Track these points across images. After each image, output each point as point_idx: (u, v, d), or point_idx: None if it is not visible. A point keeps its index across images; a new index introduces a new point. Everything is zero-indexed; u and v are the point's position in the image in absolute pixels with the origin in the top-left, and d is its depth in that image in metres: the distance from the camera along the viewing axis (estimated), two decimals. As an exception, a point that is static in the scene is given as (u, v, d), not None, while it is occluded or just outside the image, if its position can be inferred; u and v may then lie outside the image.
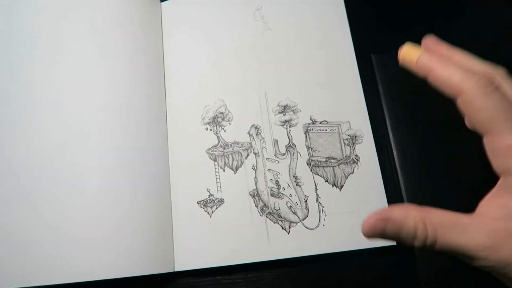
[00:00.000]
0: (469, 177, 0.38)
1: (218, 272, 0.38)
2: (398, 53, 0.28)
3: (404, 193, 0.38)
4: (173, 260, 0.38)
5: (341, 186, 0.39)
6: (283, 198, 0.40)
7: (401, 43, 0.44)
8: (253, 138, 0.42)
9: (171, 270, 0.38)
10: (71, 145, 0.38)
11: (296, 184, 0.40)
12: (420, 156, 0.39)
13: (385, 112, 0.41)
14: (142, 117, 0.41)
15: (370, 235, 0.24)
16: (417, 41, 0.43)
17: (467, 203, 0.37)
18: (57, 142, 0.38)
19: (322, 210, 0.39)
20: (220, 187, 0.40)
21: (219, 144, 0.42)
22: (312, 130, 0.41)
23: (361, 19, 0.45)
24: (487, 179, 0.37)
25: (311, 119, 0.42)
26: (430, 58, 0.26)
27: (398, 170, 0.39)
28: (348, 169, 0.40)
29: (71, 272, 0.35)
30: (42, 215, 0.36)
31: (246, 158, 0.41)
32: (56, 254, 0.35)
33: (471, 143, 0.39)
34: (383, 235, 0.24)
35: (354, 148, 0.40)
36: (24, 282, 0.35)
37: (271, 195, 0.40)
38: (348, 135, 0.41)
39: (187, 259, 0.38)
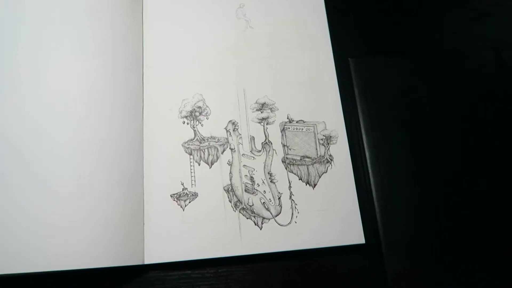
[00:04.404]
0: (437, 181, 0.40)
1: (188, 266, 0.38)
2: None
3: (374, 194, 0.39)
4: (143, 253, 0.38)
5: (314, 185, 0.40)
6: (257, 194, 0.40)
7: (378, 49, 0.46)
8: (230, 133, 0.42)
9: (140, 263, 0.37)
10: (45, 130, 0.37)
11: (271, 181, 0.40)
12: (391, 159, 0.40)
13: (360, 115, 0.42)
14: (118, 106, 0.40)
15: None
16: (393, 48, 0.45)
17: (434, 206, 0.39)
18: (31, 126, 0.37)
19: (295, 207, 0.39)
20: (195, 181, 0.40)
21: (196, 138, 0.42)
22: (289, 128, 0.42)
23: (341, 24, 0.46)
24: (455, 182, 0.39)
25: (288, 118, 0.42)
26: None
27: (370, 171, 0.40)
28: (321, 168, 0.41)
29: (38, 260, 0.34)
30: (11, 198, 0.35)
31: (222, 153, 0.41)
32: (25, 241, 0.34)
33: (440, 148, 0.41)
34: None
35: (329, 148, 0.41)
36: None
37: (245, 191, 0.40)
38: (323, 135, 0.42)
39: (157, 252, 0.38)
